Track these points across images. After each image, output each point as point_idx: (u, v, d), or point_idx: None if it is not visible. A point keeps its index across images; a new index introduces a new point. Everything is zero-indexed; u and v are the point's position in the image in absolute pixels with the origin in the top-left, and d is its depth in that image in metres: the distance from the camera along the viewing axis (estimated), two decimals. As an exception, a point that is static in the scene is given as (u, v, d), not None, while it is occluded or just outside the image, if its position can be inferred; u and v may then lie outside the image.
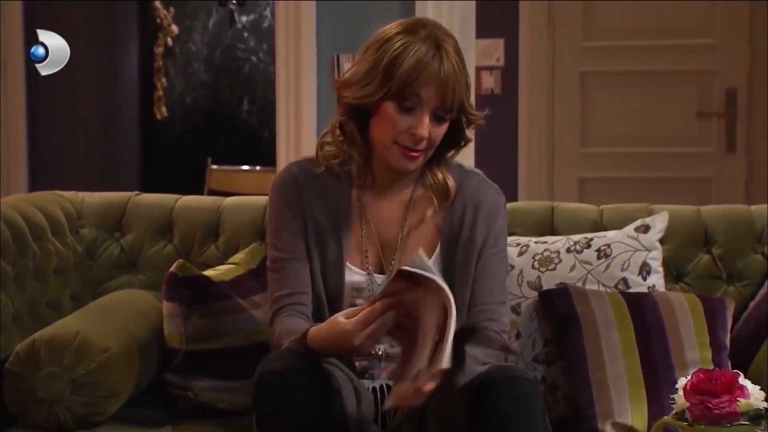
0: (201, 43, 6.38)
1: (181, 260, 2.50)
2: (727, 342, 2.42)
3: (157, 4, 6.33)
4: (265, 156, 5.43)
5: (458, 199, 2.15)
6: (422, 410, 2.05)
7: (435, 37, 2.02)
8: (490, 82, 4.99)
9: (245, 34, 6.32)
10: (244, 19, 6.31)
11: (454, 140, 2.13)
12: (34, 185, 4.80)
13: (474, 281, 2.12)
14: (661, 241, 2.55)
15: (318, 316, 2.10)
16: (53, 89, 5.09)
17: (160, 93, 6.36)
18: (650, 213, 2.64)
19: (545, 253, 2.51)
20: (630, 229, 2.55)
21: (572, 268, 2.49)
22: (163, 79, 6.36)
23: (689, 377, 2.01)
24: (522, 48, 4.98)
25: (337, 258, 2.10)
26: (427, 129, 2.02)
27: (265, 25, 6.23)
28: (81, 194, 2.81)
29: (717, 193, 4.76)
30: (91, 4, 5.78)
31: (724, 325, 2.44)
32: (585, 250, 2.51)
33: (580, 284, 2.47)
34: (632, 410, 2.29)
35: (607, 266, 2.49)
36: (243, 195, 2.93)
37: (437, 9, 3.73)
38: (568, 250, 2.51)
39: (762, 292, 2.54)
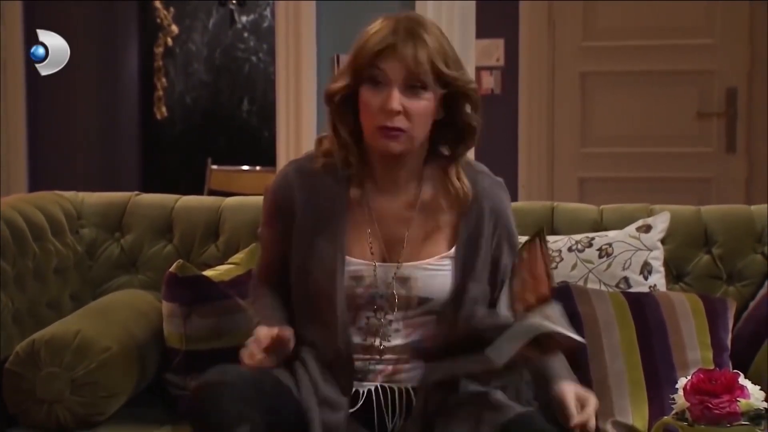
0: (201, 43, 6.38)
1: (181, 260, 2.50)
2: (728, 342, 2.42)
3: (157, 4, 6.33)
4: (265, 156, 5.43)
5: (474, 201, 2.14)
6: (426, 417, 2.06)
7: (400, 19, 2.06)
8: (490, 82, 4.99)
9: (245, 34, 6.32)
10: (244, 19, 6.31)
11: (458, 128, 2.11)
12: (34, 185, 4.80)
13: (498, 284, 2.15)
14: (662, 241, 2.55)
15: (312, 309, 2.10)
16: (53, 89, 5.09)
17: (160, 93, 6.36)
18: (650, 213, 2.64)
19: (546, 253, 2.52)
20: (632, 228, 2.55)
21: (574, 266, 2.49)
22: (163, 79, 6.36)
23: (689, 377, 2.01)
24: (522, 48, 4.97)
25: (331, 254, 2.09)
26: (397, 101, 2.01)
27: (265, 25, 6.23)
28: (81, 194, 2.81)
29: (717, 193, 4.76)
30: (91, 5, 5.77)
31: (726, 326, 2.44)
32: (587, 249, 2.51)
33: (581, 283, 2.47)
34: (633, 410, 2.29)
35: (609, 265, 2.49)
36: (243, 195, 2.93)
37: (437, 9, 3.73)
38: (570, 249, 2.52)
39: (762, 292, 2.54)
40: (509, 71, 4.99)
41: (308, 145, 3.74)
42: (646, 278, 2.49)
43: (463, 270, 2.11)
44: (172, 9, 6.34)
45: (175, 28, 6.34)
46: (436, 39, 2.05)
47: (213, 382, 1.93)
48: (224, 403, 1.88)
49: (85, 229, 2.75)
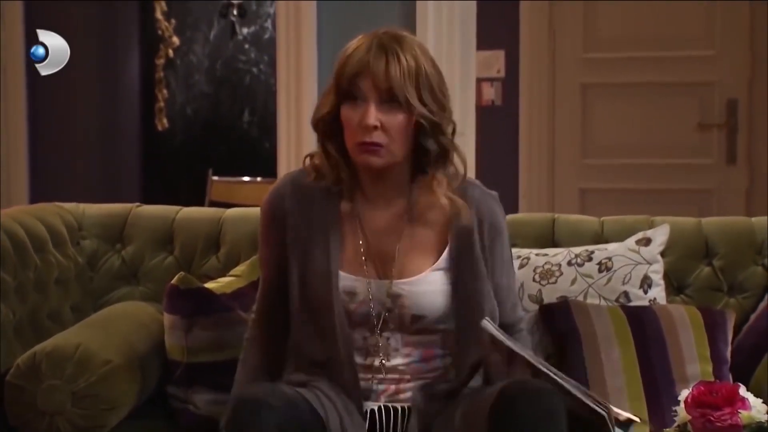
0: (202, 54, 6.38)
1: (182, 272, 2.50)
2: (728, 355, 2.42)
3: (159, 15, 6.33)
4: (266, 167, 5.43)
5: (464, 212, 2.14)
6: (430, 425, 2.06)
7: (377, 35, 2.07)
8: (490, 93, 4.99)
9: (246, 46, 6.32)
10: (245, 30, 6.31)
11: (431, 149, 2.10)
12: (35, 197, 4.80)
13: (493, 293, 2.15)
14: (662, 253, 2.55)
15: (313, 321, 2.11)
16: (54, 100, 5.09)
17: (161, 104, 6.36)
18: (651, 225, 2.64)
19: (546, 266, 2.51)
20: (631, 241, 2.55)
21: (573, 281, 2.49)
22: (164, 91, 6.36)
23: (690, 390, 2.00)
24: (522, 59, 4.98)
25: (325, 266, 2.10)
26: (374, 116, 2.02)
27: (266, 37, 6.24)
28: (82, 206, 2.81)
29: (718, 204, 4.75)
30: (92, 16, 5.78)
31: (725, 338, 2.44)
32: (586, 264, 2.51)
33: (581, 298, 2.47)
34: (633, 424, 2.28)
35: (609, 280, 2.49)
36: (244, 206, 2.93)
37: (437, 22, 3.74)
38: (569, 263, 2.51)
39: (763, 304, 2.54)
40: (510, 82, 5.00)
41: (309, 157, 3.74)
42: (646, 292, 2.49)
43: (456, 284, 2.11)
44: (173, 20, 6.34)
45: (176, 40, 6.34)
46: (413, 57, 2.04)
47: (255, 401, 1.93)
48: (263, 422, 1.89)
49: (86, 240, 2.75)
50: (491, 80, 4.99)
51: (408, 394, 2.10)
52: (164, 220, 2.78)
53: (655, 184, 4.87)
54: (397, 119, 2.04)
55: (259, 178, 5.54)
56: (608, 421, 1.90)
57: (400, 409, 2.09)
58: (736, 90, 4.79)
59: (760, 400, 2.01)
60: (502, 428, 1.86)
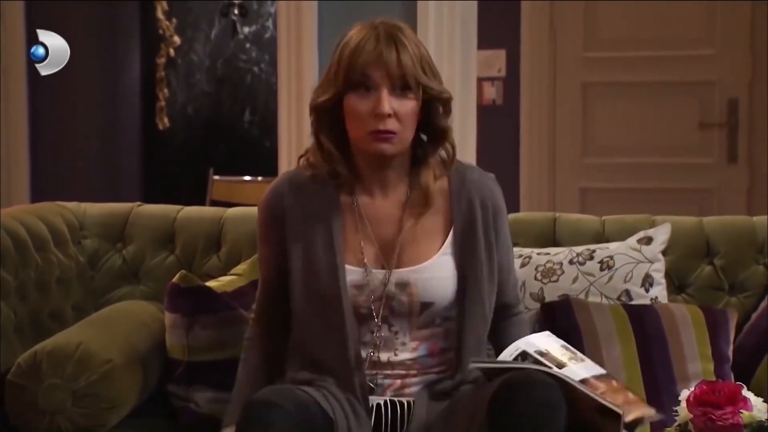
0: (203, 53, 6.39)
1: (183, 271, 2.50)
2: (730, 353, 2.42)
3: (160, 14, 6.34)
4: (267, 166, 5.44)
5: (464, 194, 2.16)
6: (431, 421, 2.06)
7: (378, 25, 2.10)
8: (491, 92, 4.99)
9: (247, 45, 6.32)
10: (246, 30, 6.32)
11: (430, 130, 2.14)
12: (36, 196, 4.81)
13: (495, 274, 2.16)
14: (663, 252, 2.55)
15: (319, 318, 2.10)
16: (55, 99, 5.09)
17: (162, 103, 6.36)
18: (652, 224, 2.64)
19: (548, 265, 2.52)
20: (632, 240, 2.55)
21: (575, 279, 2.49)
22: (165, 90, 6.37)
23: (692, 389, 2.01)
24: (523, 59, 4.98)
25: (330, 260, 2.10)
26: (388, 104, 2.05)
27: (267, 36, 6.24)
28: (83, 205, 2.81)
29: (718, 203, 4.75)
30: (93, 15, 5.79)
31: (727, 337, 2.44)
32: (588, 262, 2.51)
33: (582, 296, 2.47)
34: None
35: (610, 278, 2.49)
36: (245, 205, 2.93)
37: (438, 20, 3.74)
38: (571, 262, 2.52)
39: (764, 304, 2.54)
40: (511, 82, 5.00)
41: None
42: (647, 291, 2.49)
43: (461, 268, 2.12)
44: (174, 20, 6.35)
45: (177, 39, 6.34)
46: (415, 44, 2.10)
47: (266, 402, 1.94)
48: (275, 424, 1.90)
49: (87, 239, 2.75)
50: (492, 79, 4.99)
51: (413, 389, 2.11)
52: (165, 220, 2.78)
53: (656, 183, 4.87)
54: (407, 106, 2.07)
55: (260, 178, 5.54)
56: (621, 420, 1.89)
57: (405, 403, 2.10)
58: (737, 89, 4.79)
59: (761, 400, 2.01)
60: (500, 418, 1.86)
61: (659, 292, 2.51)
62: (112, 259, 2.76)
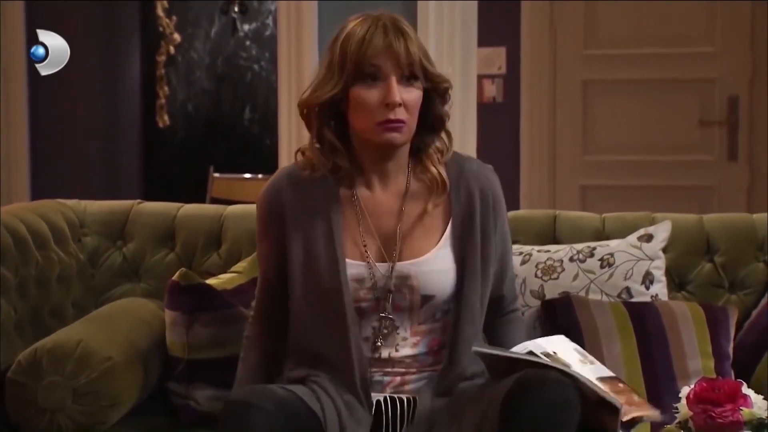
0: (203, 51, 6.38)
1: (183, 269, 2.50)
2: (730, 351, 2.42)
3: (160, 12, 6.33)
4: (267, 164, 5.43)
5: (462, 183, 2.16)
6: (432, 419, 2.06)
7: (380, 16, 2.10)
8: (492, 90, 4.99)
9: (247, 43, 6.32)
10: (246, 27, 6.31)
11: (430, 120, 2.15)
12: (37, 194, 4.81)
13: (490, 266, 2.16)
14: (664, 249, 2.55)
15: (320, 313, 2.10)
16: (55, 97, 5.09)
17: (162, 101, 6.36)
18: (652, 222, 2.64)
19: (548, 262, 2.52)
20: (633, 238, 2.55)
21: (575, 277, 2.49)
22: (165, 87, 6.36)
23: (692, 386, 2.01)
24: (523, 56, 4.98)
25: (331, 254, 2.10)
26: (398, 93, 2.06)
27: (267, 34, 6.24)
28: (83, 202, 2.81)
29: (718, 201, 4.75)
30: (94, 12, 5.79)
31: (727, 334, 2.44)
32: (588, 260, 2.51)
33: (583, 293, 2.47)
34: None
35: (611, 275, 2.49)
36: (245, 203, 2.93)
37: (439, 17, 3.74)
38: (571, 259, 2.52)
39: (764, 301, 2.54)
40: (511, 79, 5.00)
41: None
42: (647, 288, 2.49)
43: (460, 259, 2.12)
44: (174, 17, 6.34)
45: (177, 37, 6.34)
46: (415, 35, 2.12)
47: (243, 402, 1.93)
48: (252, 425, 1.89)
49: (88, 237, 2.75)
50: (492, 77, 5.00)
51: (412, 386, 2.10)
52: (165, 217, 2.78)
53: (656, 181, 4.87)
54: (414, 95, 2.09)
55: (260, 175, 5.53)
56: (619, 414, 1.90)
57: (405, 399, 2.10)
58: (737, 87, 4.79)
59: (761, 397, 2.01)
60: (515, 417, 1.86)
61: (659, 289, 2.51)
62: (113, 257, 2.76)
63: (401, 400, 2.09)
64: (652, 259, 2.51)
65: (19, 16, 4.78)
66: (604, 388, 1.93)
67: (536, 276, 2.50)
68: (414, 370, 2.11)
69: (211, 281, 2.53)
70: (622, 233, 2.61)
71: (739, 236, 2.64)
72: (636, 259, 2.50)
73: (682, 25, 4.82)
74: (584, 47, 4.94)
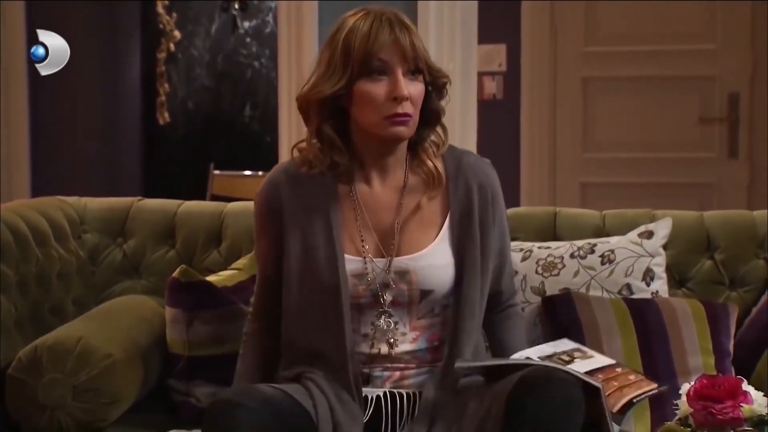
0: (203, 48, 6.38)
1: (183, 266, 2.50)
2: (731, 348, 2.42)
3: (160, 9, 6.33)
4: (268, 161, 5.43)
5: (461, 177, 2.16)
6: (433, 416, 2.05)
7: (382, 11, 2.11)
8: (492, 87, 4.99)
9: (247, 40, 6.32)
10: (246, 24, 6.31)
11: (427, 114, 2.15)
12: (37, 191, 4.81)
13: (489, 260, 2.16)
14: (664, 246, 2.55)
15: (317, 309, 2.09)
16: (55, 94, 5.09)
17: (163, 98, 6.36)
18: (652, 219, 2.64)
19: (549, 259, 2.52)
20: (633, 234, 2.55)
21: (576, 273, 2.49)
22: (166, 85, 6.37)
23: (692, 383, 2.01)
24: (524, 53, 4.98)
25: (330, 250, 2.10)
26: (405, 86, 2.07)
27: (268, 31, 6.24)
28: (83, 199, 2.81)
29: (719, 198, 4.75)
30: (94, 12, 5.79)
31: (727, 331, 2.44)
32: (589, 256, 2.51)
33: (583, 290, 2.47)
34: (635, 416, 2.28)
35: (611, 272, 2.49)
36: (245, 200, 2.93)
37: (439, 15, 3.73)
38: (572, 256, 2.52)
39: (764, 298, 2.54)
40: (511, 76, 5.00)
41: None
42: (648, 285, 2.49)
43: (458, 254, 2.11)
44: (174, 14, 6.35)
45: (177, 34, 6.34)
46: (411, 24, 2.12)
47: (228, 402, 1.93)
48: (237, 424, 1.88)
49: (88, 234, 2.75)
50: (493, 74, 4.99)
51: (412, 381, 2.10)
52: (166, 214, 2.78)
53: (656, 178, 4.87)
54: (419, 88, 2.10)
55: (260, 172, 5.54)
56: (602, 395, 1.90)
57: (405, 395, 2.09)
58: (738, 84, 4.79)
59: (761, 394, 2.01)
60: (519, 415, 1.86)
61: (660, 286, 2.51)
62: (113, 254, 2.76)
63: (401, 395, 2.09)
64: (652, 256, 2.51)
65: (19, 16, 4.78)
66: (600, 377, 1.94)
67: (537, 272, 2.50)
68: (413, 365, 2.11)
69: (211, 278, 2.53)
70: (622, 230, 2.61)
71: (740, 233, 2.64)
72: (636, 255, 2.50)
73: (683, 22, 4.82)
74: (584, 44, 4.94)
